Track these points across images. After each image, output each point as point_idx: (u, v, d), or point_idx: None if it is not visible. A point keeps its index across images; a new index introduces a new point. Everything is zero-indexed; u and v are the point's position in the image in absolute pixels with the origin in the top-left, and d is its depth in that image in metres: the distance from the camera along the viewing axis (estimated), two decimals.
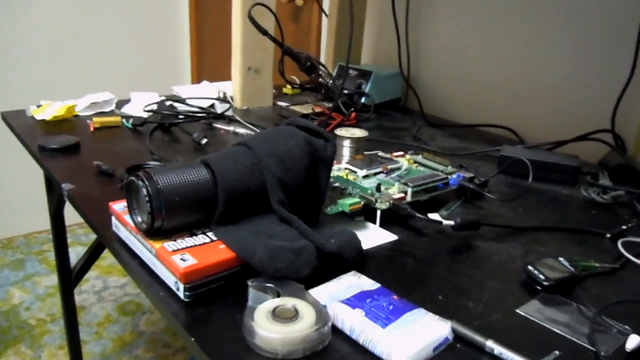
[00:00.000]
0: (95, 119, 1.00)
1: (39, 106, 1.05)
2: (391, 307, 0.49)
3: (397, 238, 0.66)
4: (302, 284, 0.51)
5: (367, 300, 0.49)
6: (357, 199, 0.66)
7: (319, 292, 0.51)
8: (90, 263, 1.20)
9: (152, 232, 0.55)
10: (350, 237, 0.59)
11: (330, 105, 1.14)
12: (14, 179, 2.12)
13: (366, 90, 1.19)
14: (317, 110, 1.11)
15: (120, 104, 1.14)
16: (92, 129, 0.99)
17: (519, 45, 1.09)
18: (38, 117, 1.02)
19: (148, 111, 1.06)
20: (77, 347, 1.31)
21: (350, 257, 0.57)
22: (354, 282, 0.54)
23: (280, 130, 0.64)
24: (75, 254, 1.98)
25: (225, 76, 1.37)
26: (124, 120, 1.02)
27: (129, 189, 0.57)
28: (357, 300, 0.49)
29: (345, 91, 1.17)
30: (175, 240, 0.55)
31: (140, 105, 1.10)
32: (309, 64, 1.11)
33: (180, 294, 0.51)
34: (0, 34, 1.99)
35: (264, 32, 1.04)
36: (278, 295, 0.50)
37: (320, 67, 1.14)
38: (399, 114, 1.24)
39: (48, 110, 1.02)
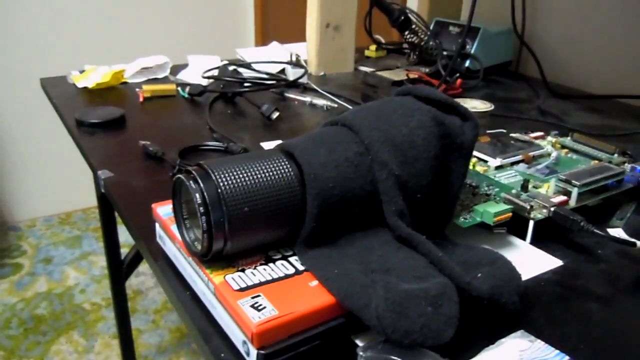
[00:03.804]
0: (145, 87, 0.82)
1: (82, 72, 0.89)
2: None
3: (562, 264, 0.45)
4: (441, 353, 0.32)
5: None
6: (503, 206, 0.45)
7: None
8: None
9: (210, 257, 0.36)
10: (506, 268, 0.38)
11: (428, 70, 0.93)
12: (72, 148, 2.00)
13: (472, 51, 0.95)
14: (413, 76, 0.89)
15: (176, 69, 0.96)
16: (141, 99, 0.81)
17: None
18: (80, 84, 0.85)
19: (207, 77, 0.87)
20: (129, 340, 1.18)
21: (510, 302, 0.37)
22: (526, 350, 0.33)
23: (394, 103, 0.43)
24: None
25: (295, 37, 1.17)
26: (179, 88, 0.85)
27: (176, 189, 0.39)
28: None
29: (445, 52, 0.94)
30: (243, 271, 0.36)
31: (199, 70, 0.92)
32: (402, 17, 0.89)
33: None
34: None
35: None
36: None
37: (415, 21, 0.92)
38: (511, 80, 1.00)
39: (92, 77, 0.86)
